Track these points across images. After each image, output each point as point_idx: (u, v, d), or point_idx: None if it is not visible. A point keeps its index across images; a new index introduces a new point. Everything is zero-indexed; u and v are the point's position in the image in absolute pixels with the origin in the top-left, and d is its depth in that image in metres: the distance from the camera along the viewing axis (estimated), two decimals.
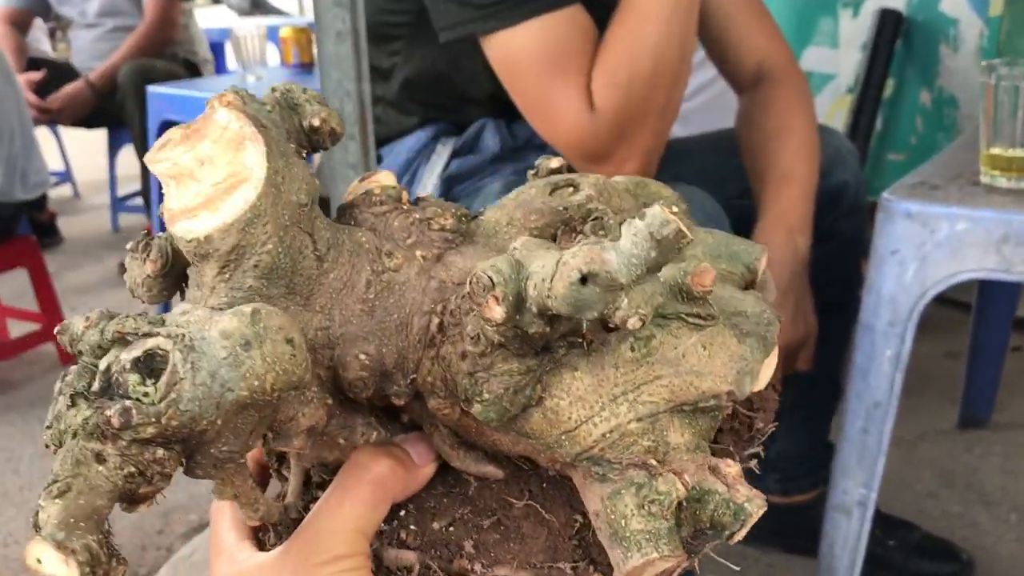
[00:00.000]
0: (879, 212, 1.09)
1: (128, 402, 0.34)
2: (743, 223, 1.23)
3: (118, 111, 3.16)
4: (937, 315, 2.20)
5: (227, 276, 0.40)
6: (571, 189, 0.46)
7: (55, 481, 0.34)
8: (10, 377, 2.57)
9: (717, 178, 1.33)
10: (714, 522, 0.38)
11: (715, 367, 0.39)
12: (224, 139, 0.39)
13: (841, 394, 1.40)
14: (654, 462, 0.38)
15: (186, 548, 1.26)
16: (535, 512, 0.45)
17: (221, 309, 0.39)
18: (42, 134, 2.94)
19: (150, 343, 0.35)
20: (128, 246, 0.45)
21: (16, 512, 1.93)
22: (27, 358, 2.65)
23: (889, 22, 2.22)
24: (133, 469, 0.35)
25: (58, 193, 4.36)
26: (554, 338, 0.38)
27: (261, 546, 0.47)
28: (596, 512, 0.40)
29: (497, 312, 0.36)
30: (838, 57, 2.39)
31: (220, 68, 4.12)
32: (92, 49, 3.42)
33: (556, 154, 1.20)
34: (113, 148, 3.62)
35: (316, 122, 0.44)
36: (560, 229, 0.45)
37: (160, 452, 0.35)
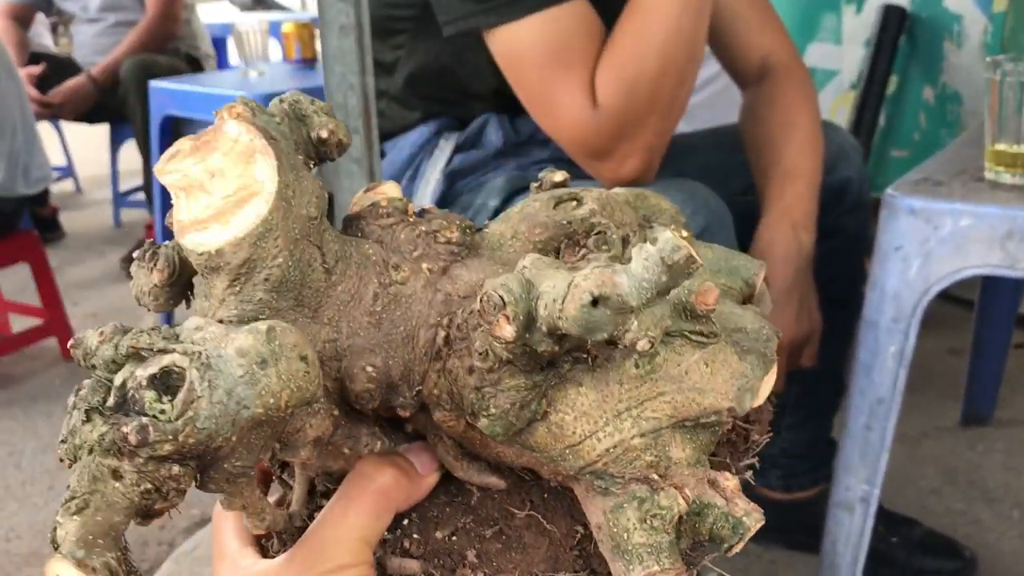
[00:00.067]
0: (883, 208, 1.09)
1: (145, 419, 0.34)
2: (747, 219, 1.23)
3: (120, 106, 3.16)
4: (940, 312, 2.20)
5: (237, 289, 0.40)
6: (575, 203, 0.46)
7: (72, 497, 0.35)
8: (12, 372, 2.57)
9: (721, 174, 1.33)
10: (713, 535, 0.39)
11: (717, 384, 0.40)
12: (235, 152, 0.39)
13: (844, 391, 1.40)
14: (656, 477, 0.39)
15: (188, 543, 1.26)
16: (536, 522, 0.45)
17: (231, 322, 0.39)
18: (44, 129, 2.95)
19: (166, 360, 0.35)
20: (135, 255, 0.45)
21: (18, 507, 1.93)
22: (29, 353, 2.66)
23: (893, 18, 2.22)
24: (149, 486, 0.35)
25: (60, 188, 4.37)
26: (560, 354, 0.38)
27: (264, 552, 0.47)
28: (598, 525, 0.40)
29: (507, 331, 0.36)
30: (841, 53, 2.38)
31: (222, 63, 4.12)
32: (94, 44, 3.42)
33: (559, 149, 1.20)
34: (115, 143, 3.62)
35: (324, 134, 0.44)
36: (564, 243, 0.46)
37: (176, 468, 0.35)
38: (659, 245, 0.34)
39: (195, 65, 3.41)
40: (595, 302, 0.34)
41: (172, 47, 3.33)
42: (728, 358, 0.40)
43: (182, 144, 0.40)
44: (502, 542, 0.45)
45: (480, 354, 0.39)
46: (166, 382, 0.34)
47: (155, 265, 0.43)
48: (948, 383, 2.10)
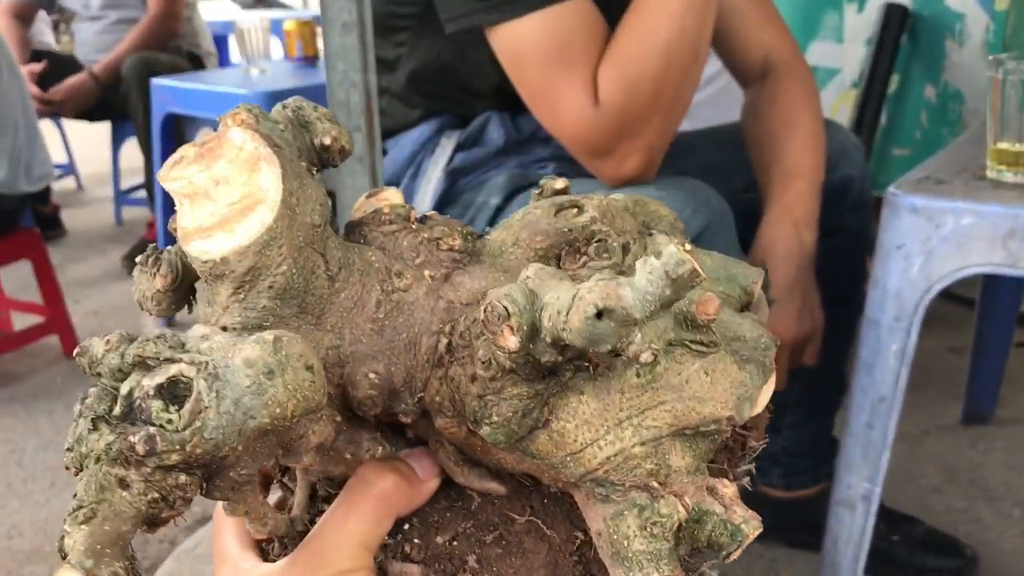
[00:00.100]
0: (885, 207, 1.09)
1: (152, 429, 0.34)
2: (748, 217, 1.23)
3: (122, 104, 3.16)
4: (940, 310, 2.20)
5: (242, 296, 0.40)
6: (575, 210, 0.46)
7: (80, 506, 0.35)
8: (13, 369, 2.58)
9: (722, 172, 1.33)
10: (711, 542, 0.39)
11: (716, 393, 0.40)
12: (239, 160, 0.39)
13: (846, 389, 1.40)
14: (656, 484, 0.39)
15: (190, 541, 1.26)
16: (536, 528, 0.46)
17: (235, 329, 0.39)
18: (46, 127, 2.95)
19: (173, 369, 0.35)
20: (137, 259, 0.45)
21: (20, 504, 1.93)
22: (30, 350, 2.66)
23: (895, 17, 2.22)
24: (156, 495, 0.35)
25: (62, 186, 4.37)
26: (562, 363, 0.39)
27: (264, 556, 0.47)
28: (598, 531, 0.41)
29: (512, 342, 0.37)
30: (843, 52, 2.38)
31: (224, 61, 4.12)
32: (96, 42, 3.42)
33: (561, 147, 1.20)
34: (116, 141, 3.62)
35: (327, 141, 0.45)
36: (564, 250, 0.46)
37: (183, 478, 0.35)
38: (663, 259, 0.35)
39: (196, 63, 3.41)
40: (599, 314, 0.34)
41: (174, 45, 3.33)
42: (728, 367, 0.41)
43: (186, 151, 0.40)
44: (502, 547, 0.45)
45: (483, 363, 0.39)
46: (173, 392, 0.34)
47: (158, 270, 0.44)
48: (949, 382, 2.10)
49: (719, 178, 1.23)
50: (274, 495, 0.51)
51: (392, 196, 0.48)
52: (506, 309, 0.37)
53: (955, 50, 2.22)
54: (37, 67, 3.21)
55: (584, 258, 0.45)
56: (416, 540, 0.46)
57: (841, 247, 1.36)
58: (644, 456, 0.39)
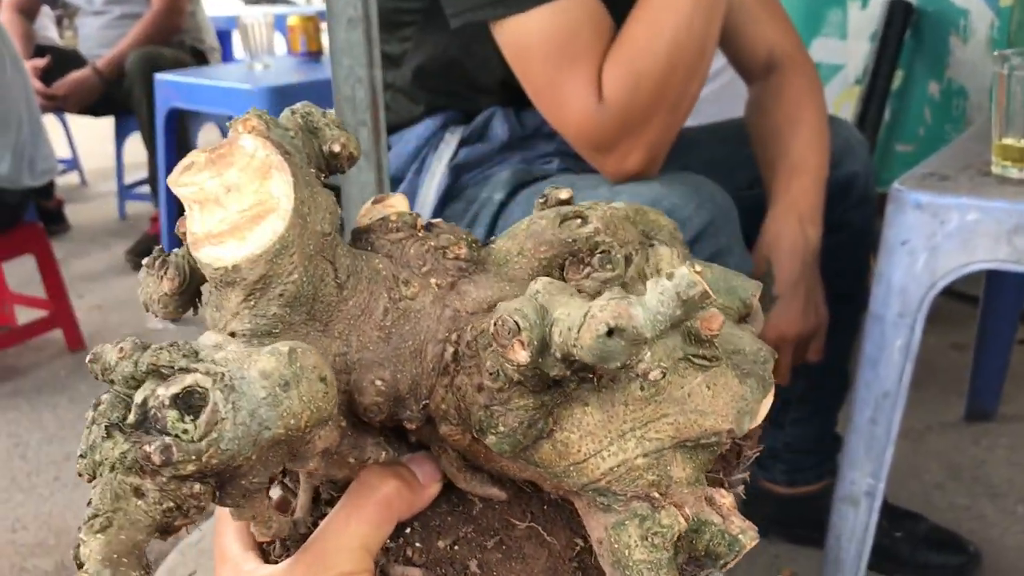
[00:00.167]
0: (889, 202, 1.09)
1: (168, 439, 0.34)
2: (752, 213, 1.23)
3: (125, 99, 3.17)
4: (943, 307, 2.20)
5: (252, 303, 0.40)
6: (579, 221, 0.47)
7: (96, 515, 0.35)
8: (17, 363, 2.58)
9: (726, 168, 1.33)
10: (709, 551, 0.40)
11: (718, 407, 0.41)
12: (251, 167, 0.39)
13: (849, 385, 1.40)
14: (657, 495, 0.40)
15: (193, 535, 1.27)
16: (536, 533, 0.46)
17: (245, 335, 0.40)
18: (49, 122, 2.95)
19: (188, 379, 0.35)
20: (144, 262, 0.45)
21: (24, 498, 1.94)
22: (34, 345, 2.66)
23: (898, 13, 2.22)
24: (171, 504, 0.35)
25: (65, 181, 4.37)
26: (568, 376, 0.40)
27: (265, 556, 0.48)
28: (599, 539, 0.41)
29: (522, 356, 0.37)
30: (847, 48, 2.38)
31: (227, 56, 4.11)
32: (99, 37, 3.42)
33: (565, 143, 1.20)
34: (120, 136, 3.62)
35: (337, 148, 0.45)
36: (568, 260, 0.46)
37: (197, 487, 0.36)
38: (675, 280, 0.36)
39: (200, 58, 3.41)
40: (610, 332, 0.35)
41: (177, 40, 3.33)
42: (729, 381, 0.41)
43: (196, 156, 0.40)
44: (502, 552, 0.46)
45: (491, 374, 0.39)
46: (188, 402, 0.35)
47: (165, 274, 0.44)
48: (951, 378, 2.10)
49: (723, 174, 1.23)
50: (274, 492, 0.52)
51: (399, 203, 0.48)
52: (517, 324, 0.37)
53: (959, 46, 2.22)
54: (41, 62, 3.21)
55: (588, 269, 0.45)
56: (418, 544, 0.46)
57: (845, 243, 1.36)
58: (646, 467, 0.40)
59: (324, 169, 0.45)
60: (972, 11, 2.18)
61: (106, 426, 0.36)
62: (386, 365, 0.42)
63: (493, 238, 0.48)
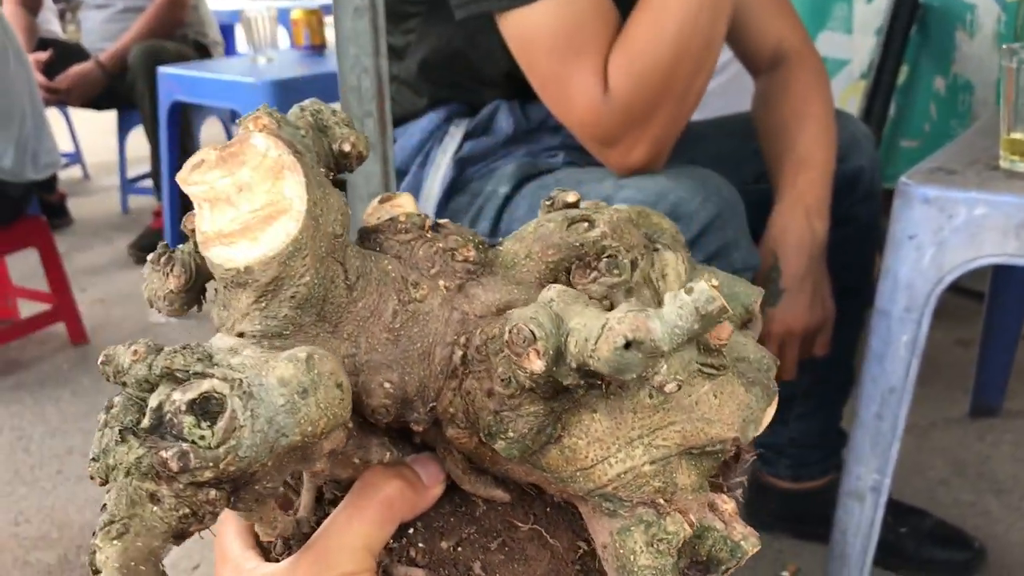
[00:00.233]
0: (897, 197, 1.08)
1: (185, 445, 0.34)
2: (759, 208, 1.22)
3: (128, 92, 3.16)
4: (948, 303, 2.20)
5: (263, 305, 0.40)
6: (586, 224, 0.47)
7: (112, 521, 0.35)
8: (20, 357, 2.58)
9: (732, 162, 1.32)
10: (711, 556, 0.41)
11: (724, 415, 0.41)
12: (263, 167, 0.39)
13: (854, 380, 1.39)
14: (662, 501, 0.41)
15: None
16: (539, 536, 0.46)
17: (255, 336, 0.40)
18: (52, 115, 2.95)
19: (205, 385, 0.35)
20: (149, 258, 0.45)
21: (27, 491, 1.94)
22: (37, 338, 2.66)
23: (904, 7, 2.21)
24: (187, 510, 0.35)
25: (68, 174, 4.37)
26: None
27: (266, 554, 0.48)
28: (604, 544, 0.42)
29: (537, 365, 0.38)
30: (852, 42, 2.37)
31: (230, 50, 4.11)
32: (102, 30, 3.42)
33: (570, 136, 1.19)
34: (123, 130, 3.62)
35: (347, 148, 0.45)
36: (575, 264, 0.47)
37: (213, 493, 0.35)
38: (695, 296, 0.36)
39: (203, 52, 3.41)
40: (628, 345, 0.36)
41: (180, 33, 3.33)
42: (735, 390, 0.42)
43: (207, 154, 0.39)
44: (505, 554, 0.46)
45: (503, 380, 0.39)
46: (204, 407, 0.34)
47: (171, 271, 0.44)
48: (956, 374, 2.09)
49: (729, 168, 1.22)
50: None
51: (406, 203, 0.48)
52: (533, 333, 0.37)
53: (965, 41, 2.21)
54: (43, 55, 3.21)
55: (595, 273, 0.45)
56: (421, 544, 0.46)
57: (851, 237, 1.36)
58: (653, 474, 0.40)
59: (333, 168, 0.45)
60: (978, 5, 2.17)
61: (120, 430, 0.35)
62: (394, 367, 0.42)
63: (500, 239, 0.49)
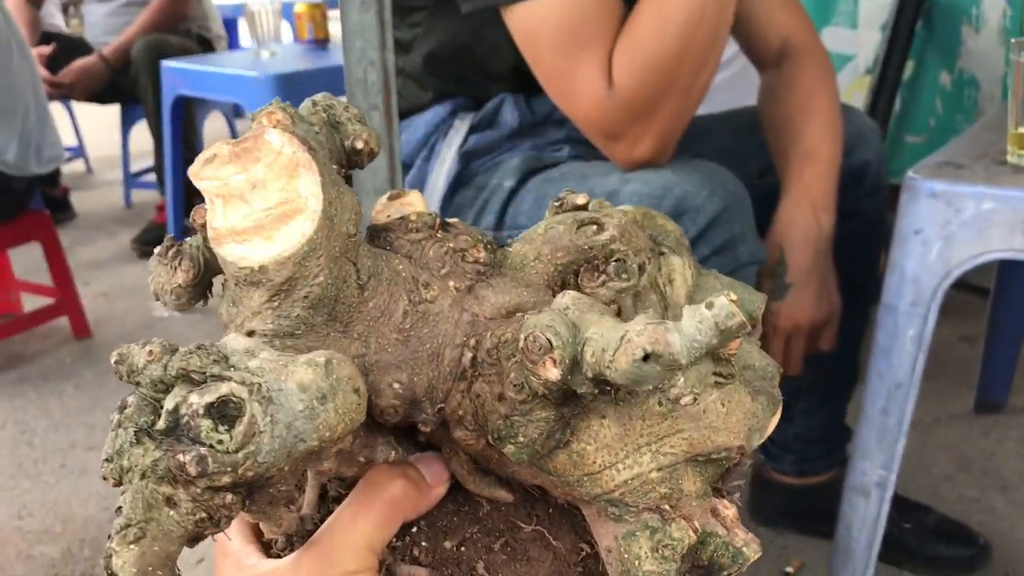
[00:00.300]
0: (904, 191, 1.08)
1: (204, 450, 0.33)
2: (765, 202, 1.22)
3: (131, 86, 3.16)
4: (953, 299, 2.19)
5: (276, 304, 0.40)
6: (595, 227, 0.47)
7: (128, 525, 0.34)
8: (24, 351, 2.58)
9: (738, 156, 1.32)
10: (712, 562, 0.41)
11: (731, 423, 0.41)
12: (278, 164, 0.38)
13: (859, 375, 1.39)
14: (667, 507, 0.41)
15: None
16: (542, 537, 0.47)
17: (266, 335, 0.39)
18: (56, 110, 2.94)
19: (223, 388, 0.34)
20: (156, 251, 0.44)
21: (31, 484, 1.94)
22: (40, 332, 2.66)
23: (910, 2, 2.20)
24: (204, 514, 0.35)
25: (71, 169, 4.37)
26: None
27: (267, 550, 0.48)
28: (608, 548, 0.42)
29: (553, 374, 0.37)
30: (857, 37, 2.37)
31: (233, 44, 4.11)
32: (105, 24, 3.41)
33: (575, 130, 1.19)
34: (126, 124, 3.62)
35: (359, 144, 0.45)
36: (583, 267, 0.47)
37: (229, 497, 0.35)
38: (715, 310, 0.36)
39: (206, 46, 3.40)
40: (646, 357, 0.36)
41: (183, 28, 3.33)
42: (742, 398, 0.42)
43: (219, 149, 0.39)
44: (507, 554, 0.46)
45: (515, 386, 0.39)
46: (222, 411, 0.34)
47: (179, 265, 0.43)
48: (961, 370, 2.09)
49: (735, 162, 1.22)
50: None
51: (416, 202, 0.48)
52: (549, 341, 0.37)
53: (971, 36, 2.20)
54: (47, 49, 3.21)
55: (603, 277, 0.46)
56: (424, 544, 0.46)
57: (857, 232, 1.35)
58: (659, 481, 0.41)
59: (344, 164, 0.45)
60: (984, 1, 2.16)
61: (135, 431, 0.35)
62: (403, 368, 0.42)
63: (508, 239, 0.48)
